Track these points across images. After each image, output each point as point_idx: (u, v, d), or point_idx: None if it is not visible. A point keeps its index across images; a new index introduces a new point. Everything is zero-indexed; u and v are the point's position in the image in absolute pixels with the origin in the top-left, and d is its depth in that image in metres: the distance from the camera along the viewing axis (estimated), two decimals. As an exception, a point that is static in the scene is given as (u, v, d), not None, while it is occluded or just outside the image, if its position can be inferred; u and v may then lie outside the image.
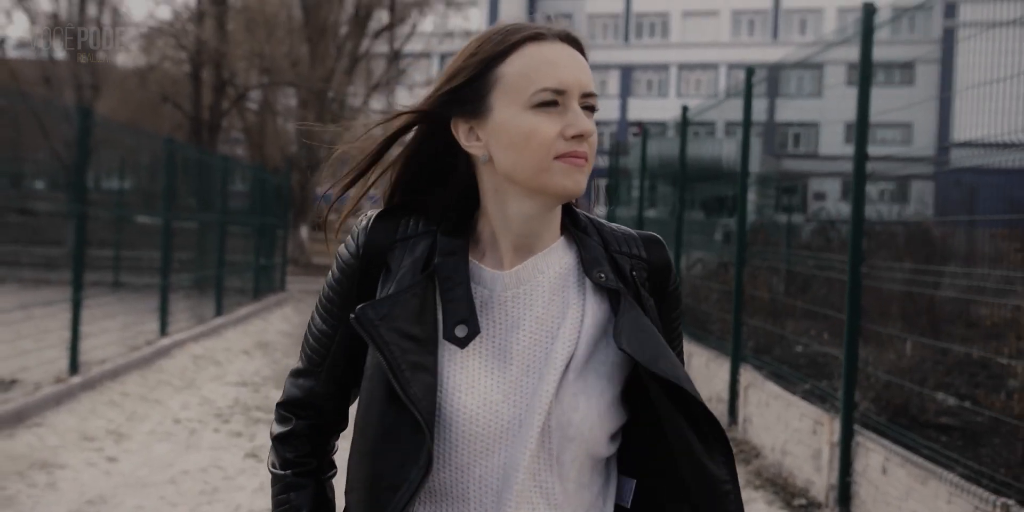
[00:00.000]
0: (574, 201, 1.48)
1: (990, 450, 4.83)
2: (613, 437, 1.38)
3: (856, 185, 5.47)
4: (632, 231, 1.50)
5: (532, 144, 1.32)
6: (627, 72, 54.22)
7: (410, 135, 1.45)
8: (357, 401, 1.41)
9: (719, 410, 7.77)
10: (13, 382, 7.32)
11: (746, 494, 5.62)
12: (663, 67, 53.79)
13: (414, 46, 29.72)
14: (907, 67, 45.67)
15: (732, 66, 51.40)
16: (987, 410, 4.73)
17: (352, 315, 1.34)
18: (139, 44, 27.59)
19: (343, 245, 1.47)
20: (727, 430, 7.11)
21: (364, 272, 1.42)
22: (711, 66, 52.86)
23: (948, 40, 43.67)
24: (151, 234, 12.23)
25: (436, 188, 1.46)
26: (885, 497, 4.82)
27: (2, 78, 24.93)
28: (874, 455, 4.99)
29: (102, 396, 7.59)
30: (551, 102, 1.32)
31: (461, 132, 1.39)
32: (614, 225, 1.50)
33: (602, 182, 16.79)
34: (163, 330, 10.33)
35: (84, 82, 27.51)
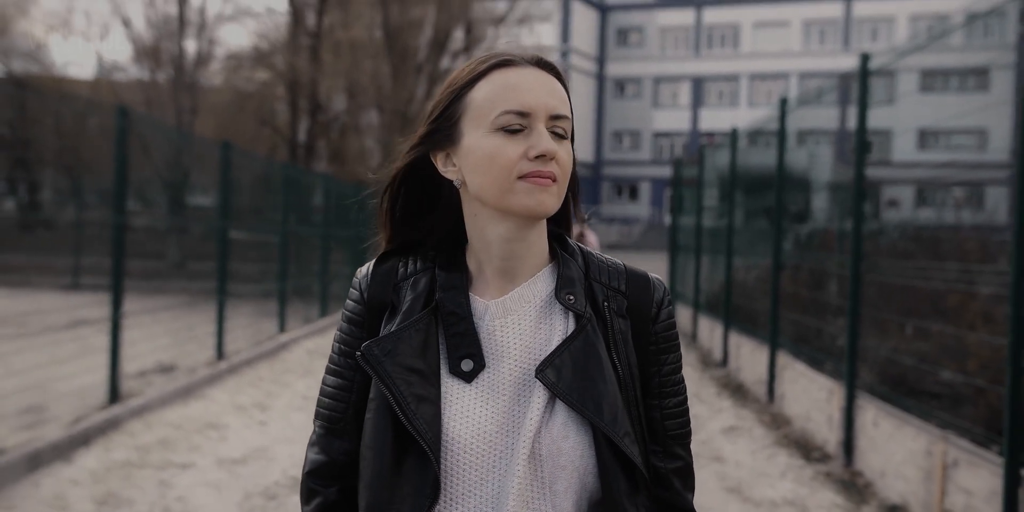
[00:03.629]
0: (571, 232, 1.53)
1: (960, 407, 6.08)
2: None
3: (856, 197, 6.77)
4: (622, 265, 1.50)
5: (495, 165, 1.33)
6: (698, 83, 55.04)
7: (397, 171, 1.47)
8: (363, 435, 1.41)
9: (761, 390, 9.08)
10: (172, 367, 8.94)
11: (774, 452, 6.97)
12: (734, 77, 54.50)
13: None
14: (981, 73, 45.98)
15: (803, 75, 51.95)
16: (948, 371, 5.99)
17: (358, 353, 1.36)
18: (236, 70, 29.52)
19: (348, 298, 1.50)
20: (767, 407, 8.47)
21: (371, 317, 1.44)
22: (782, 75, 53.30)
23: (1021, 45, 44.00)
24: (258, 247, 13.88)
25: (428, 219, 1.49)
26: (875, 443, 6.11)
27: (107, 99, 26.97)
28: (868, 413, 6.28)
29: (243, 378, 9.23)
30: (515, 124, 1.34)
31: (439, 160, 1.42)
32: (606, 257, 1.51)
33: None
34: (281, 328, 11.96)
35: (183, 106, 29.54)
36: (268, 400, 8.36)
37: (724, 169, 12.26)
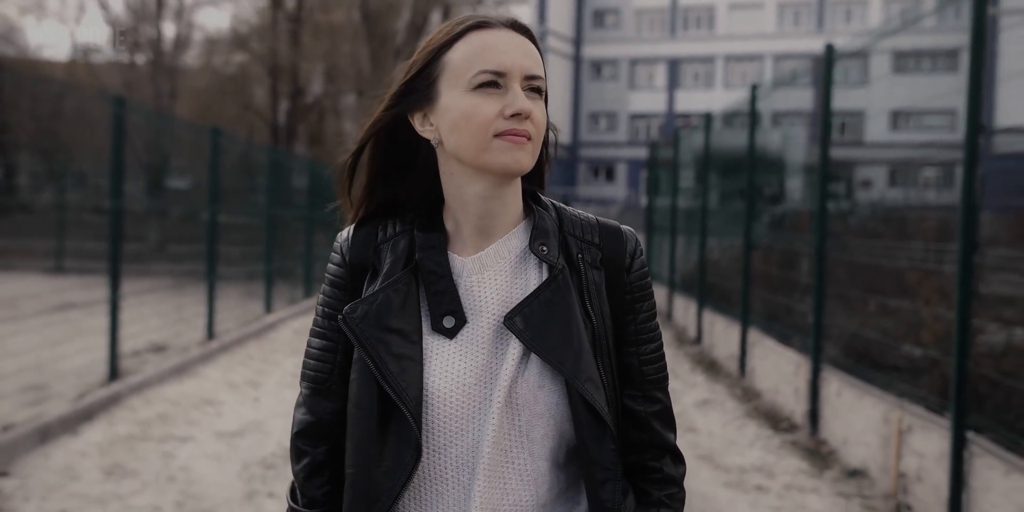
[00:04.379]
0: (543, 188, 1.55)
1: (918, 378, 6.45)
2: None
3: (820, 179, 7.13)
4: (594, 218, 1.53)
5: (472, 123, 1.35)
6: (674, 65, 55.27)
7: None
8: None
9: (733, 366, 9.46)
10: (165, 347, 9.22)
11: (744, 423, 7.34)
12: (709, 59, 54.76)
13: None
14: (952, 55, 46.47)
15: (778, 57, 52.29)
16: (907, 345, 6.36)
17: (340, 316, 1.40)
18: (215, 53, 29.57)
19: (329, 261, 1.52)
20: (739, 381, 8.84)
21: (354, 280, 1.47)
22: (757, 57, 53.60)
23: (991, 27, 44.46)
24: (241, 230, 14.13)
25: (406, 179, 1.51)
26: (838, 413, 6.48)
27: (86, 82, 26.97)
28: (832, 385, 6.66)
29: (234, 357, 9.53)
30: (491, 83, 1.36)
31: (416, 120, 1.44)
32: (578, 211, 1.53)
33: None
34: (268, 309, 12.26)
35: (162, 89, 29.61)
36: (259, 377, 8.66)
37: (699, 152, 12.57)
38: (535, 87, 1.39)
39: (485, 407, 1.37)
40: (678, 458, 1.53)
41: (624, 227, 1.53)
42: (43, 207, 22.60)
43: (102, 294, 9.13)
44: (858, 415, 6.10)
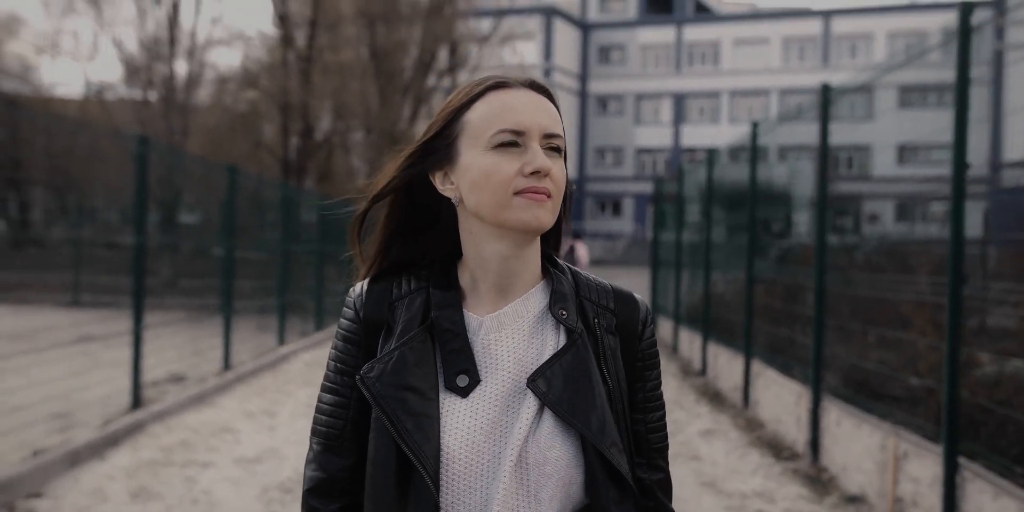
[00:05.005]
0: (554, 250, 1.56)
1: (916, 406, 6.66)
2: None
3: (819, 214, 7.38)
4: (608, 285, 1.55)
5: (492, 181, 1.38)
6: (679, 100, 55.73)
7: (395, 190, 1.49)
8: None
9: (737, 397, 9.67)
10: (183, 377, 9.47)
11: (747, 452, 7.54)
12: (715, 94, 55.20)
13: (473, 78, 31.71)
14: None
15: (783, 91, 52.75)
16: (904, 375, 6.58)
17: (358, 376, 1.40)
18: (226, 91, 30.05)
19: (342, 315, 1.52)
20: (742, 412, 9.05)
21: (368, 337, 1.47)
22: (762, 92, 54.00)
23: (998, 62, 44.92)
24: (253, 265, 14.40)
25: (424, 237, 1.53)
26: (838, 441, 6.69)
27: (99, 119, 27.40)
28: (832, 414, 6.87)
29: (249, 387, 9.78)
30: (510, 142, 1.39)
31: (437, 179, 1.46)
32: (592, 276, 1.56)
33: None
34: (281, 341, 12.51)
35: (175, 127, 30.05)
36: (274, 407, 8.89)
37: (703, 187, 12.83)
38: (554, 146, 1.43)
39: (494, 465, 1.37)
40: None
41: (637, 295, 1.56)
42: (56, 242, 22.96)
43: (119, 327, 9.41)
44: (857, 443, 6.31)
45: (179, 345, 10.58)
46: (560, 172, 1.42)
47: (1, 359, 8.11)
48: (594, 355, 1.45)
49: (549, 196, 1.40)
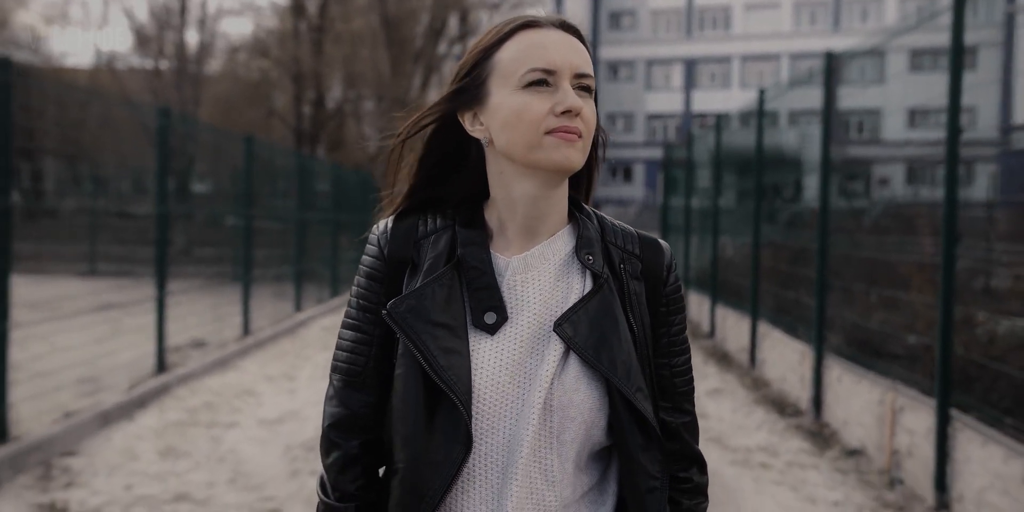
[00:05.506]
0: (586, 196, 1.56)
1: (914, 363, 6.87)
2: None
3: (822, 181, 7.56)
4: (632, 230, 1.54)
5: (523, 121, 1.36)
6: (690, 65, 55.55)
7: (426, 132, 1.49)
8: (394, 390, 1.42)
9: (744, 357, 9.90)
10: (204, 343, 9.75)
11: (752, 409, 7.77)
12: (726, 59, 55.00)
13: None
14: (970, 52, 46.54)
15: (794, 56, 52.51)
16: (903, 333, 6.79)
17: (384, 311, 1.39)
18: (238, 61, 30.18)
19: (365, 253, 1.51)
20: (749, 372, 9.28)
21: (392, 274, 1.46)
22: (773, 57, 53.78)
23: (1009, 24, 44.59)
24: (269, 233, 14.65)
25: (453, 178, 1.52)
26: (839, 397, 6.92)
27: (111, 89, 27.58)
28: (834, 371, 7.09)
29: (268, 352, 10.06)
30: (541, 81, 1.37)
31: (467, 119, 1.45)
32: (617, 221, 1.54)
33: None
34: (298, 307, 12.79)
35: (187, 96, 30.23)
36: (293, 371, 9.16)
37: (712, 152, 12.98)
38: (585, 85, 1.41)
39: (517, 406, 1.37)
40: (703, 468, 1.56)
41: (661, 241, 1.55)
42: (69, 212, 23.21)
43: (137, 295, 9.66)
44: (857, 399, 6.54)
45: (198, 312, 10.83)
46: (591, 112, 1.41)
47: (25, 327, 8.38)
48: (620, 300, 1.45)
49: (580, 136, 1.38)
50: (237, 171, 10.99)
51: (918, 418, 5.47)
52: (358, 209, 18.44)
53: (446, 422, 1.36)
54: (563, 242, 1.47)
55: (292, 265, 13.12)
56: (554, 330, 1.39)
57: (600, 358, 1.38)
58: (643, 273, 1.49)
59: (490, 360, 1.38)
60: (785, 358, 8.48)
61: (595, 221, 1.51)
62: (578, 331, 1.39)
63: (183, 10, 30.47)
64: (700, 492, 1.56)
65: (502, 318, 1.40)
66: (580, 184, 1.55)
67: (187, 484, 5.36)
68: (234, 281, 14.10)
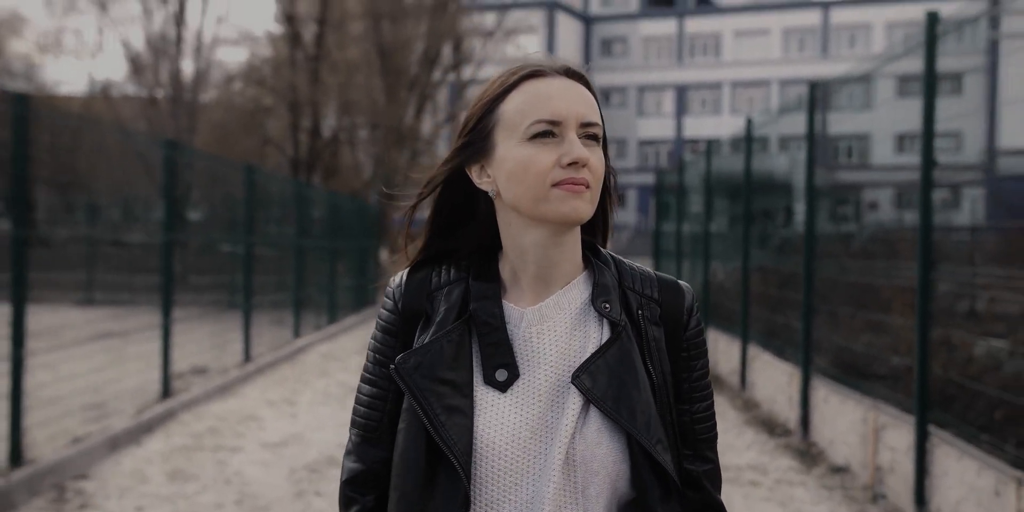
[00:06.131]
0: (603, 240, 1.54)
1: (898, 384, 7.10)
2: None
3: (808, 206, 7.82)
4: (652, 273, 1.51)
5: (529, 174, 1.35)
6: (681, 91, 56.09)
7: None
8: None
9: (735, 380, 10.12)
10: (205, 369, 9.95)
11: (743, 430, 7.99)
12: (716, 85, 55.56)
13: (476, 73, 31.94)
14: (955, 78, 47.12)
15: (784, 82, 53.09)
16: (885, 354, 7.02)
17: (392, 366, 1.38)
18: (233, 89, 30.50)
19: (381, 306, 1.51)
20: (740, 393, 9.49)
21: (406, 327, 1.45)
22: (763, 83, 54.37)
23: (993, 51, 45.16)
24: (266, 260, 14.86)
25: (464, 230, 1.51)
26: (825, 417, 7.14)
27: (107, 117, 27.79)
28: (820, 392, 7.32)
29: (269, 378, 10.27)
30: (547, 132, 1.36)
31: (474, 172, 1.44)
32: (636, 265, 1.52)
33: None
34: (296, 334, 12.99)
35: (182, 124, 30.50)
36: (294, 396, 9.36)
37: (703, 178, 13.25)
38: (592, 134, 1.40)
39: (539, 462, 1.35)
40: None
41: (682, 282, 1.52)
42: (62, 241, 23.37)
43: (135, 323, 9.89)
44: (842, 418, 6.76)
45: (196, 340, 11.02)
46: (599, 161, 1.40)
47: (32, 355, 8.57)
48: (639, 348, 1.42)
49: (588, 187, 1.37)
50: (235, 199, 11.23)
51: (899, 435, 5.69)
52: (355, 236, 18.70)
53: (447, 482, 1.35)
54: (579, 291, 1.45)
55: (291, 292, 13.33)
56: (572, 382, 1.36)
57: (620, 410, 1.36)
58: (662, 318, 1.47)
59: (508, 417, 1.37)
60: (774, 380, 8.71)
61: (612, 266, 1.49)
62: (597, 382, 1.36)
63: (179, 39, 30.82)
64: None
65: (513, 375, 1.38)
66: (595, 228, 1.54)
67: (196, 506, 5.56)
68: (231, 308, 14.33)
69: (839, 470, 6.52)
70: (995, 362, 6.02)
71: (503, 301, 1.43)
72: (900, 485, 5.59)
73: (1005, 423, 5.10)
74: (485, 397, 1.37)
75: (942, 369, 5.87)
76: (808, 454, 7.04)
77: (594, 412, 1.36)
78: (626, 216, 54.86)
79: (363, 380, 1.50)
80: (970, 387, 5.63)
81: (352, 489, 1.48)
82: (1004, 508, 4.36)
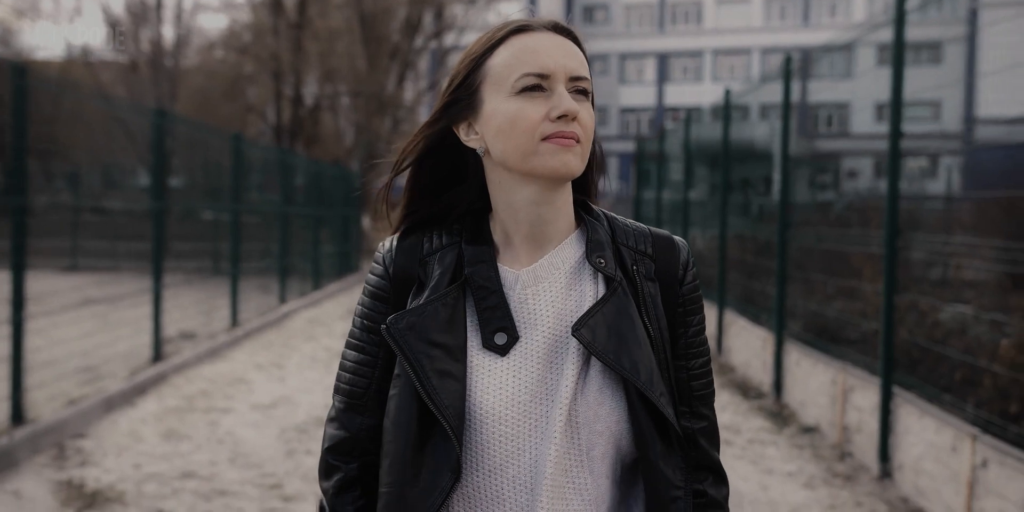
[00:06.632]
0: (593, 193, 1.51)
1: (868, 348, 7.37)
2: None
3: (783, 172, 8.04)
4: (646, 228, 1.48)
5: (518, 128, 1.32)
6: (663, 59, 56.05)
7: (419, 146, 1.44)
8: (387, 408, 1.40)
9: (711, 344, 10.38)
10: (193, 334, 10.14)
11: (718, 393, 8.24)
12: (698, 53, 55.55)
13: (457, 40, 31.92)
14: (935, 47, 47.40)
15: (765, 50, 53.10)
16: (855, 320, 7.28)
17: (383, 326, 1.35)
18: (215, 56, 30.40)
19: (370, 272, 1.47)
20: (716, 358, 9.76)
21: (397, 293, 1.42)
22: (744, 51, 54.38)
23: (972, 19, 45.35)
24: (251, 227, 14.99)
25: (453, 191, 1.47)
26: (797, 380, 7.41)
27: (88, 83, 27.69)
28: (793, 355, 7.58)
29: (256, 343, 10.48)
30: (535, 86, 1.33)
31: (461, 130, 1.40)
32: (630, 221, 1.49)
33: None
34: (282, 300, 13.19)
35: (162, 91, 30.42)
36: (281, 360, 9.57)
37: (683, 147, 13.46)
38: (581, 88, 1.37)
39: (541, 425, 1.33)
40: (721, 479, 1.49)
41: (676, 238, 1.49)
42: (42, 208, 23.34)
43: (120, 289, 10.06)
44: (813, 380, 7.03)
45: (182, 306, 11.20)
46: (588, 116, 1.37)
47: (25, 320, 8.74)
48: (635, 303, 1.39)
49: (578, 141, 1.34)
50: (220, 167, 11.36)
51: (866, 396, 5.95)
52: (337, 204, 18.84)
53: (438, 448, 1.33)
54: (572, 249, 1.43)
55: (277, 259, 13.51)
56: (572, 334, 1.33)
57: (621, 362, 1.33)
58: (657, 273, 1.44)
59: (508, 381, 1.34)
60: (749, 345, 8.97)
61: (605, 223, 1.47)
62: (596, 335, 1.33)
63: (159, 5, 30.65)
64: (718, 506, 1.47)
65: (512, 338, 1.36)
66: (584, 185, 1.51)
67: (191, 463, 5.77)
68: (216, 275, 14.48)
69: (809, 430, 6.79)
70: (960, 327, 6.27)
71: (498, 263, 1.41)
72: (866, 443, 5.86)
73: (964, 384, 5.37)
74: (482, 362, 1.35)
75: (909, 333, 6.13)
76: (780, 415, 7.31)
77: (594, 372, 1.35)
78: (607, 184, 54.93)
79: (349, 346, 1.47)
80: (935, 351, 5.89)
81: (335, 457, 1.46)
82: (960, 462, 4.63)
